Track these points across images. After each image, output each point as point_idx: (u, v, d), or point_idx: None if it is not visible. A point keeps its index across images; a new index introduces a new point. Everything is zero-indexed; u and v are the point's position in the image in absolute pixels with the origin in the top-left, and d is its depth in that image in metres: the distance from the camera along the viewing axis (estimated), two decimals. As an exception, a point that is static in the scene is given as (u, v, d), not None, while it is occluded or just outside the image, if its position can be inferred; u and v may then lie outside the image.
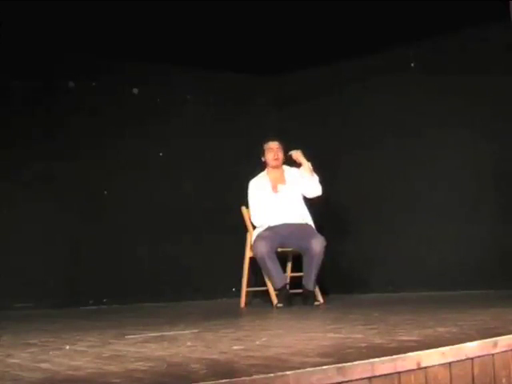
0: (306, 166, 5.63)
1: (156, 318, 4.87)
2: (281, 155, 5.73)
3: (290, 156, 5.67)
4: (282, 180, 5.73)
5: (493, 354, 2.34)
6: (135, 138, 6.51)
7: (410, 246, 6.30)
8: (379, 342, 2.51)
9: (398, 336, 2.66)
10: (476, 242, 5.89)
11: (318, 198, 5.66)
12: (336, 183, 6.60)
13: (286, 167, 5.78)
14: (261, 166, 5.81)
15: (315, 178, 5.63)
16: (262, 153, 5.75)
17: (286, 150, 5.72)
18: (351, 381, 1.94)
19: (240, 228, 5.82)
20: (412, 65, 6.38)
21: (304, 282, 5.48)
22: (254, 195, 5.69)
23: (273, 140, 5.75)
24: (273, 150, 5.71)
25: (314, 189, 5.64)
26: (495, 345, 2.35)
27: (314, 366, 1.91)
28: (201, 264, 6.64)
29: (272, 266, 5.40)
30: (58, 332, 3.74)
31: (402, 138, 6.39)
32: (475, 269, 5.79)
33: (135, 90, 6.66)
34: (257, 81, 7.06)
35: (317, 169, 5.71)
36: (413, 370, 2.09)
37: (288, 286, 5.60)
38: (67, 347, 2.92)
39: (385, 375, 2.02)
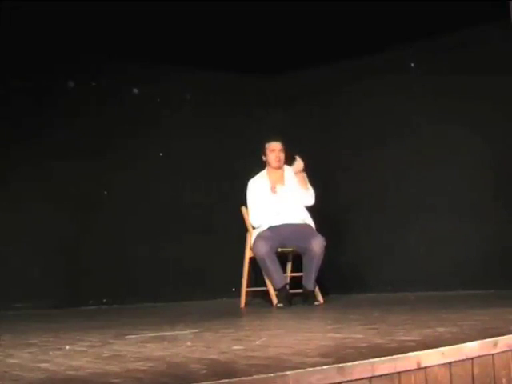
0: (301, 177, 5.64)
1: (156, 317, 4.87)
2: (282, 156, 5.71)
3: (295, 158, 5.66)
4: (282, 181, 5.72)
5: (493, 354, 2.34)
6: (135, 137, 6.51)
7: (410, 245, 6.30)
8: (379, 341, 2.50)
9: (398, 336, 2.66)
10: (476, 241, 5.89)
11: (312, 206, 5.68)
12: (336, 183, 6.60)
13: (286, 168, 5.76)
14: (261, 165, 5.80)
15: (309, 190, 5.64)
16: (263, 152, 5.73)
17: (288, 150, 5.71)
18: (351, 381, 1.94)
19: (240, 228, 5.81)
20: (412, 65, 6.38)
21: (304, 282, 5.48)
22: (253, 195, 5.68)
23: (275, 140, 5.72)
24: (275, 152, 5.69)
25: (305, 199, 5.65)
26: (495, 345, 2.35)
27: (313, 366, 1.91)
28: (201, 264, 6.63)
29: (272, 266, 5.39)
30: (57, 332, 3.74)
31: (402, 138, 6.38)
32: (475, 269, 5.79)
33: (135, 90, 6.65)
34: (257, 81, 7.05)
35: (316, 168, 5.70)
36: (413, 370, 2.09)
37: (288, 286, 5.60)
38: (67, 347, 2.92)
39: (385, 375, 2.02)
